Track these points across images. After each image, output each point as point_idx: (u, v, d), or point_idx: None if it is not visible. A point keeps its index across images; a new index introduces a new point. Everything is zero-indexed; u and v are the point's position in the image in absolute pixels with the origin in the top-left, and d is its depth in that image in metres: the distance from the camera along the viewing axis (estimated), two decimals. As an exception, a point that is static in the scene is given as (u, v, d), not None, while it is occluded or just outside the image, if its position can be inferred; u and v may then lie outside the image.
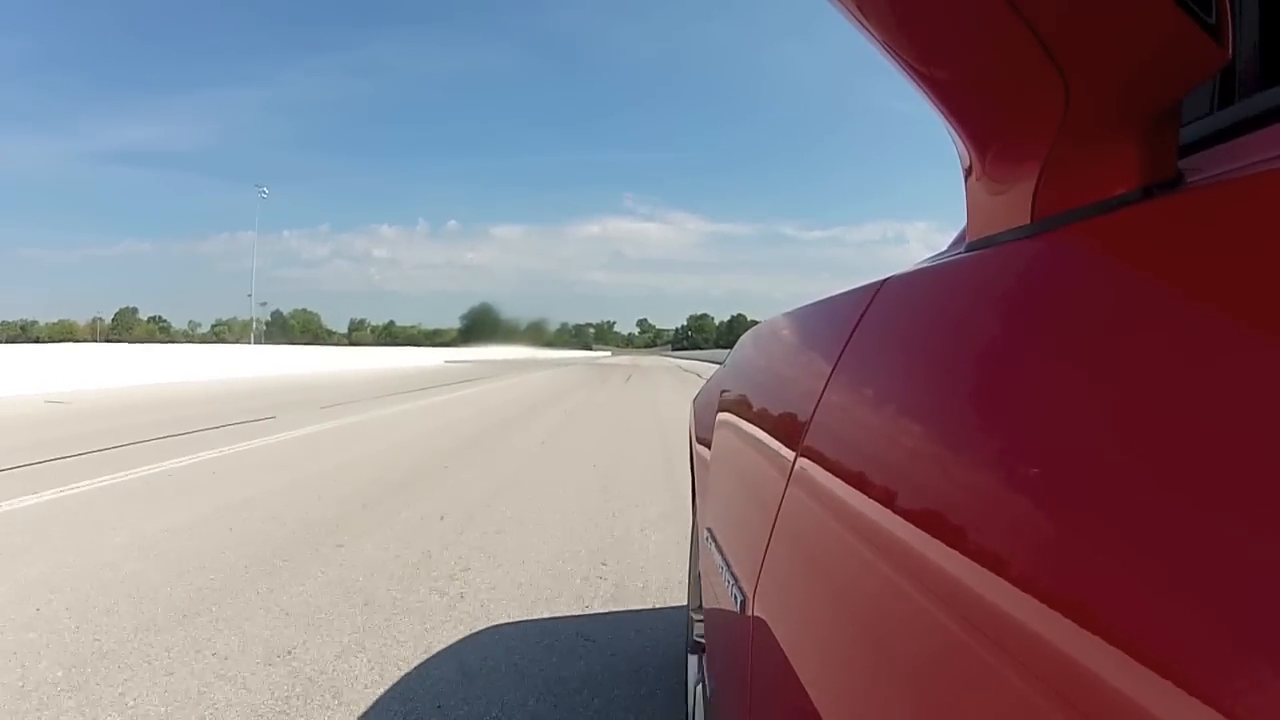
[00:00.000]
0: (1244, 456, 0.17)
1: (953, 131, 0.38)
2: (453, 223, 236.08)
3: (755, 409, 0.77)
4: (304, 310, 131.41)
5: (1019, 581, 0.23)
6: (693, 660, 1.30)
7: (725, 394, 1.05)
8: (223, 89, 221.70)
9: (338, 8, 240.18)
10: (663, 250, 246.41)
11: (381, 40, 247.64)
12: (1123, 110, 0.29)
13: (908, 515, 0.31)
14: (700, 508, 1.20)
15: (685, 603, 1.72)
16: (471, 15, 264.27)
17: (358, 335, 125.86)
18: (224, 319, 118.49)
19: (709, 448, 1.10)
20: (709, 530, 0.89)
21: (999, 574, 0.24)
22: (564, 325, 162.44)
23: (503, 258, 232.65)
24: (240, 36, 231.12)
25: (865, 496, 0.36)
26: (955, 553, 0.26)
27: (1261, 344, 0.18)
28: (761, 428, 0.69)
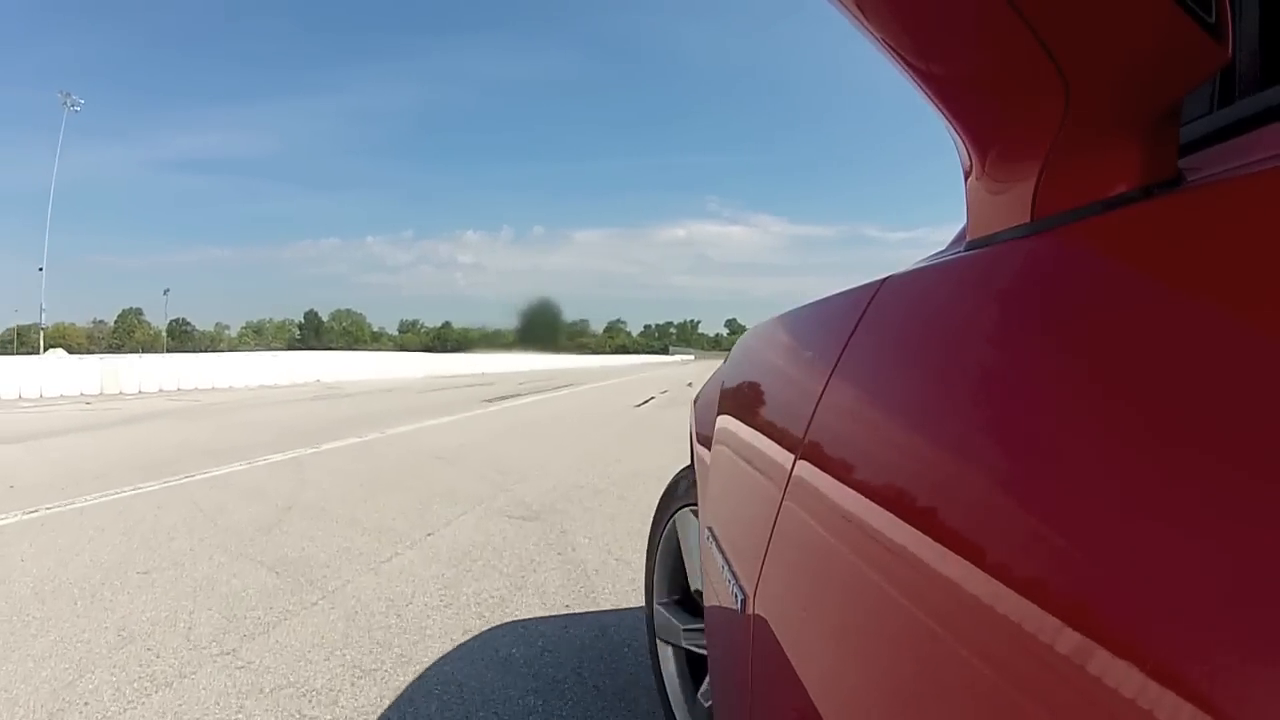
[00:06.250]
0: (1243, 453, 0.17)
1: (953, 130, 0.38)
2: (538, 228, 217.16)
3: (756, 408, 0.77)
4: (347, 311, 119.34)
5: (1017, 579, 0.23)
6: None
7: (726, 393, 1.05)
8: (292, 98, 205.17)
9: (400, 16, 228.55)
10: (746, 253, 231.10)
11: (446, 49, 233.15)
12: (1123, 110, 0.29)
13: (908, 514, 0.31)
14: (700, 507, 1.19)
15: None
16: (536, 22, 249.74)
17: (406, 338, 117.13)
18: (253, 321, 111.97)
19: (709, 447, 1.10)
20: (709, 530, 0.89)
21: (998, 572, 0.24)
22: (647, 327, 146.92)
23: (584, 262, 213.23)
24: (304, 47, 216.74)
25: (865, 495, 0.36)
26: (954, 551, 0.26)
27: (1261, 342, 0.19)
28: (762, 427, 0.69)
